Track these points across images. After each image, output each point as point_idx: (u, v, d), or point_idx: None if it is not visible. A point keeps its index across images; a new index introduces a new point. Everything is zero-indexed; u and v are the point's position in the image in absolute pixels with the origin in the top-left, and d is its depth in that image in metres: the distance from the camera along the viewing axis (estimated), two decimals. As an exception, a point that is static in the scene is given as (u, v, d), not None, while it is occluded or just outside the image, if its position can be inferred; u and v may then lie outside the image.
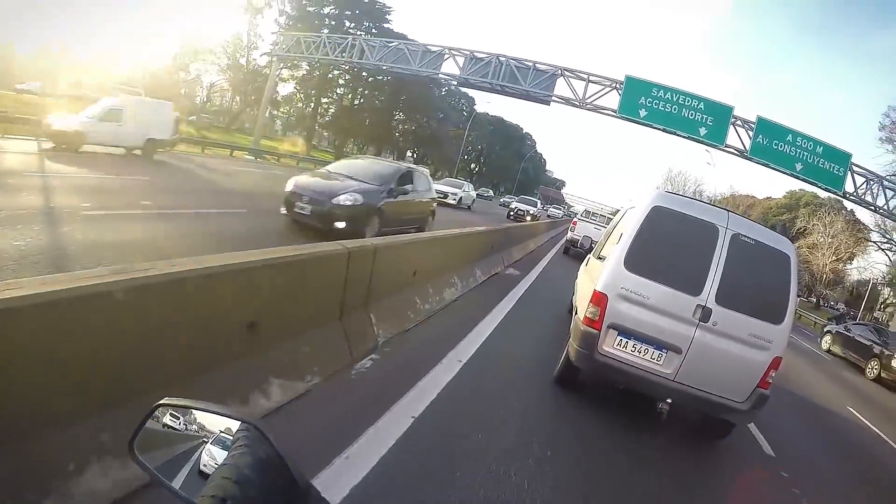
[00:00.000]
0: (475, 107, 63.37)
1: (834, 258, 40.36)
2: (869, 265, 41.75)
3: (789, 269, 3.55)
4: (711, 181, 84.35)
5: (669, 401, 3.51)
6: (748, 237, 3.58)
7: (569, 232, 15.89)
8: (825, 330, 16.62)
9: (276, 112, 44.16)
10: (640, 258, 3.55)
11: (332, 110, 45.05)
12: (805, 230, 43.70)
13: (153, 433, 0.56)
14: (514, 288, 7.17)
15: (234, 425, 0.54)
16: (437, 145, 53.67)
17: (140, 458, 0.55)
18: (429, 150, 55.99)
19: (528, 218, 21.83)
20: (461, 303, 5.37)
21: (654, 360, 3.48)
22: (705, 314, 3.43)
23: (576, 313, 4.28)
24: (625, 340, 3.51)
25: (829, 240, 40.11)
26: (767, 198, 53.92)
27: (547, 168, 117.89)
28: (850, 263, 42.05)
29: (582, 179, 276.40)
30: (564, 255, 14.50)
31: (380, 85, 44.96)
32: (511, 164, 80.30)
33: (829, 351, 15.10)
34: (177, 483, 0.53)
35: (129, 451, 0.55)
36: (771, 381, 3.51)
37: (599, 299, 3.53)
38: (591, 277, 4.22)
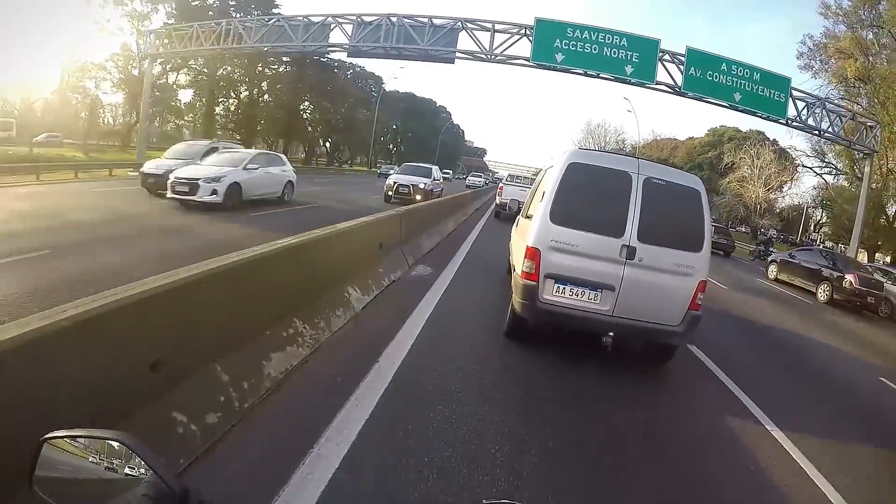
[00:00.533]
0: (383, 85, 64.15)
1: (765, 188, 45.51)
2: (802, 192, 47.19)
3: (701, 203, 4.43)
4: (634, 128, 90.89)
5: (612, 334, 4.27)
6: (659, 179, 4.40)
7: (497, 197, 18.81)
8: (769, 260, 18.22)
9: (180, 121, 45.32)
10: (564, 211, 4.25)
11: (234, 109, 45.16)
12: (733, 165, 48.68)
13: (50, 467, 0.65)
14: (417, 307, 5.42)
15: (114, 444, 0.65)
16: (350, 131, 53.79)
17: (42, 495, 0.63)
18: (342, 138, 55.83)
19: (418, 197, 16.07)
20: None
21: (592, 301, 4.21)
22: (630, 252, 4.20)
23: (514, 270, 4.96)
24: (562, 287, 4.21)
25: (758, 171, 45.20)
26: (690, 138, 59.88)
27: (466, 139, 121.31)
28: (780, 192, 47.58)
29: (504, 145, 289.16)
30: (496, 220, 16.63)
31: (279, 76, 44.98)
32: (429, 139, 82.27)
33: (777, 280, 16.41)
34: None
35: (30, 489, 0.62)
36: (700, 302, 4.37)
37: (533, 253, 4.20)
38: (523, 235, 4.89)
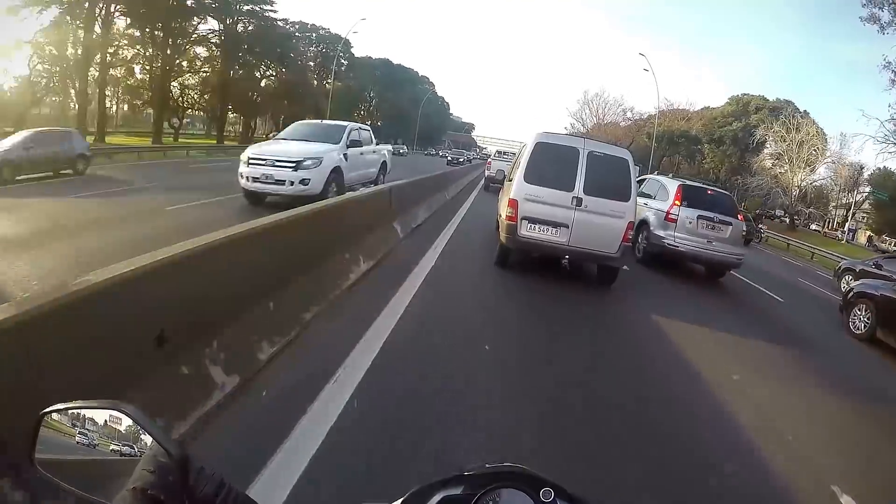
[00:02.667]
0: (352, 49, 67.79)
1: (808, 169, 47.38)
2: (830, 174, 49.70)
3: (628, 167, 8.11)
4: (639, 95, 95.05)
5: (567, 257, 7.98)
6: (598, 152, 8.09)
7: (486, 171, 26.28)
8: (840, 268, 16.16)
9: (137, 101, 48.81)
10: (534, 174, 7.89)
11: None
12: (765, 140, 51.39)
13: (51, 443, 0.78)
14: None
15: (109, 414, 0.77)
16: (304, 100, 56.07)
17: (43, 472, 0.74)
18: (299, 109, 58.25)
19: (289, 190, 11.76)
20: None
21: (553, 235, 7.84)
22: (578, 201, 7.81)
23: (500, 217, 8.66)
24: (532, 225, 7.84)
25: (796, 148, 47.10)
26: (706, 108, 63.73)
27: (453, 114, 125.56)
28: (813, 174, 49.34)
29: (494, 120, 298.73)
30: (486, 192, 22.85)
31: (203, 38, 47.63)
32: (409, 112, 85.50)
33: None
34: (86, 488, 0.74)
35: (31, 465, 0.73)
36: (630, 237, 8.01)
37: (513, 203, 7.84)
38: (506, 192, 8.60)
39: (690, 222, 11.03)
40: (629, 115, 65.35)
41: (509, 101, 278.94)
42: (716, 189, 13.07)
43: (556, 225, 7.85)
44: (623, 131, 62.89)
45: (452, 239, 10.51)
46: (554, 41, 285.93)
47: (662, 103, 63.29)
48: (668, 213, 11.21)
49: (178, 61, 45.73)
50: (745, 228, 13.12)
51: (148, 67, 44.60)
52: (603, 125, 65.10)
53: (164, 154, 32.14)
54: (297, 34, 63.13)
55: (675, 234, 11.07)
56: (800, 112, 51.75)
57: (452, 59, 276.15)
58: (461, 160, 56.28)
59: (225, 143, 47.21)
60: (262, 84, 56.45)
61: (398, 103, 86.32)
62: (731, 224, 11.21)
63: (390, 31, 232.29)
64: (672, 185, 11.79)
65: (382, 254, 7.67)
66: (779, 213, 53.54)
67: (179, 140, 43.88)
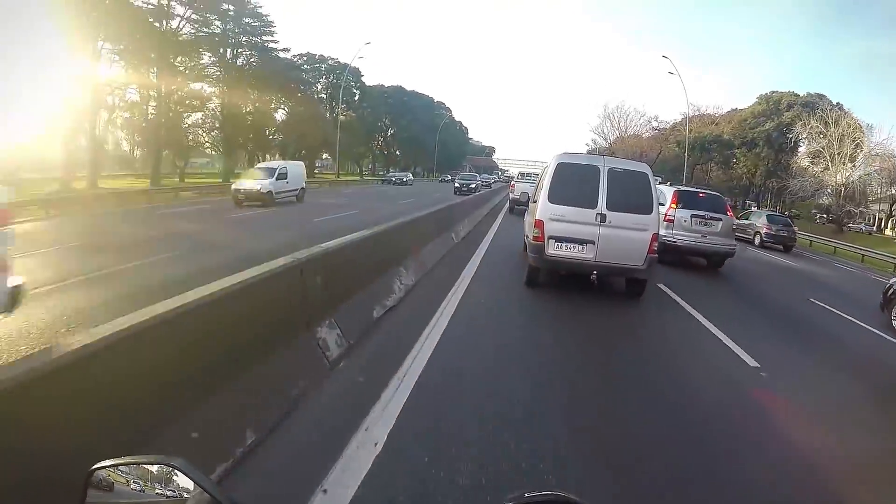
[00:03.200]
0: (362, 78, 69.94)
1: (850, 164, 46.22)
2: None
3: (648, 181, 8.59)
4: (666, 99, 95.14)
5: (596, 273, 8.41)
6: (618, 168, 8.62)
7: (510, 194, 27.25)
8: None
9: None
10: (557, 194, 8.42)
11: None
12: (799, 138, 50.79)
13: (99, 497, 0.86)
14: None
15: (160, 468, 0.85)
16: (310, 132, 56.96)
17: None
18: (308, 141, 59.02)
19: None
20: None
21: (579, 252, 8.31)
22: (602, 217, 8.30)
23: (527, 238, 9.16)
24: (559, 244, 8.33)
25: (837, 143, 46.20)
26: (734, 110, 63.30)
27: (471, 137, 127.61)
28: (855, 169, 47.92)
29: (514, 141, 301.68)
30: (511, 215, 23.23)
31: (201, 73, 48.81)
32: (425, 139, 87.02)
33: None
34: None
35: None
36: (655, 249, 8.46)
37: (539, 223, 8.36)
38: (532, 213, 9.11)
39: (685, 221, 13.91)
40: (654, 124, 65.43)
41: (529, 121, 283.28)
42: (707, 192, 15.55)
43: (582, 242, 8.34)
44: (647, 142, 63.02)
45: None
46: (568, 58, 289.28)
47: (691, 109, 63.09)
48: (665, 214, 13.51)
49: (178, 96, 45.41)
50: (734, 224, 16.87)
51: (146, 108, 45.15)
52: (625, 137, 65.20)
53: (147, 196, 28.81)
54: (304, 66, 65.08)
55: (674, 232, 13.80)
56: (833, 105, 51.20)
57: (467, 83, 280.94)
58: (472, 186, 41.93)
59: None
60: (277, 118, 57.99)
61: (414, 131, 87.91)
62: (721, 220, 13.98)
63: (401, 57, 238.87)
64: (669, 191, 14.63)
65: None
66: (815, 212, 53.02)
67: (185, 180, 44.08)
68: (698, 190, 15.76)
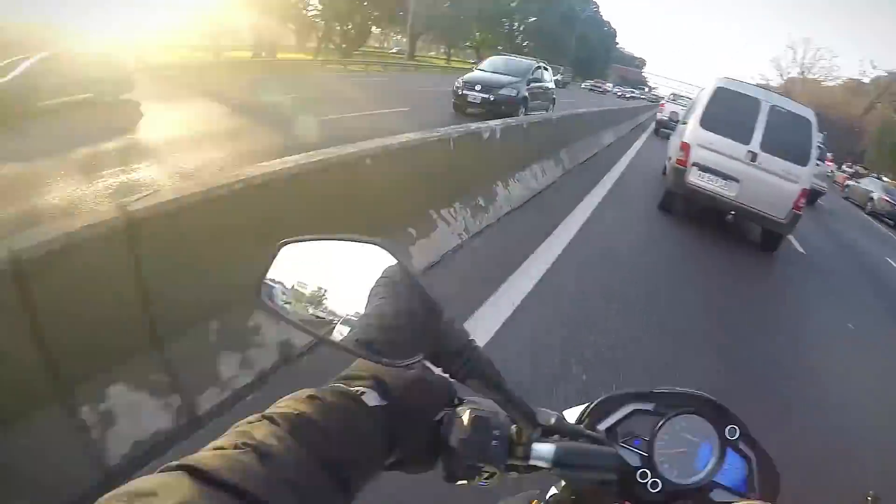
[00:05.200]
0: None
1: None
2: None
3: (811, 128, 8.93)
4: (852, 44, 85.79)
5: (733, 213, 9.11)
6: (782, 107, 9.01)
7: (658, 114, 28.64)
8: None
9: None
10: (711, 121, 9.00)
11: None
12: None
13: (280, 274, 0.81)
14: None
15: (361, 248, 0.75)
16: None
17: (266, 301, 0.79)
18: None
19: None
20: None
21: (722, 187, 8.96)
22: (753, 156, 8.84)
23: (669, 160, 9.90)
24: (702, 173, 9.00)
25: None
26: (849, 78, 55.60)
27: (617, 42, 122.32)
28: None
29: (670, 57, 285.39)
30: (657, 137, 24.74)
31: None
32: (561, 33, 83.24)
33: None
34: (306, 321, 0.77)
35: (256, 295, 0.79)
36: (802, 205, 8.99)
37: (685, 146, 9.06)
38: (679, 135, 9.78)
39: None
40: (870, 70, 59.94)
41: (690, 37, 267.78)
42: None
43: (726, 177, 8.92)
44: (840, 93, 58.44)
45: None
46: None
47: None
48: None
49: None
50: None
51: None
52: (806, 80, 61.04)
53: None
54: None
55: None
56: None
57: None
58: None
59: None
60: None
61: (546, 21, 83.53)
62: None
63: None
64: None
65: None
66: None
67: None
68: None
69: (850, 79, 59.68)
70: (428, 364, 0.75)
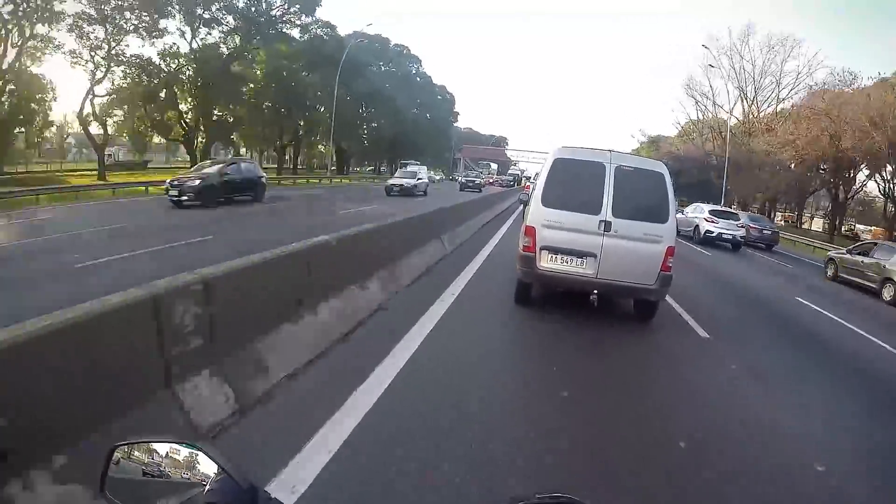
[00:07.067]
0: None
1: None
2: None
3: (664, 183, 8.67)
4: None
5: (596, 292, 8.34)
6: (628, 166, 8.57)
7: (523, 195, 28.96)
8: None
9: None
10: (553, 196, 8.54)
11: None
12: None
13: (121, 473, 1.00)
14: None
15: (184, 450, 0.98)
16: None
17: (113, 499, 0.93)
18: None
19: None
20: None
21: (578, 266, 8.36)
22: (607, 226, 8.35)
23: (518, 247, 9.04)
24: (553, 256, 8.39)
25: None
26: (880, 78, 46.30)
27: (476, 128, 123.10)
28: None
29: (532, 133, 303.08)
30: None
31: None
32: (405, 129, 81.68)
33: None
34: None
35: (101, 494, 0.91)
36: (670, 265, 8.28)
37: (530, 230, 8.44)
38: (524, 218, 8.88)
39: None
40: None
41: (550, 111, 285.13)
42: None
43: (581, 255, 8.36)
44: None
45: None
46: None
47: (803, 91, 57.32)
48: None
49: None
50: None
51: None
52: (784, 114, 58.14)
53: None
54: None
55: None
56: None
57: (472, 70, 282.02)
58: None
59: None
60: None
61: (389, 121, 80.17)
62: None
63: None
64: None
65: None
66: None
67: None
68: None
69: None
70: None
